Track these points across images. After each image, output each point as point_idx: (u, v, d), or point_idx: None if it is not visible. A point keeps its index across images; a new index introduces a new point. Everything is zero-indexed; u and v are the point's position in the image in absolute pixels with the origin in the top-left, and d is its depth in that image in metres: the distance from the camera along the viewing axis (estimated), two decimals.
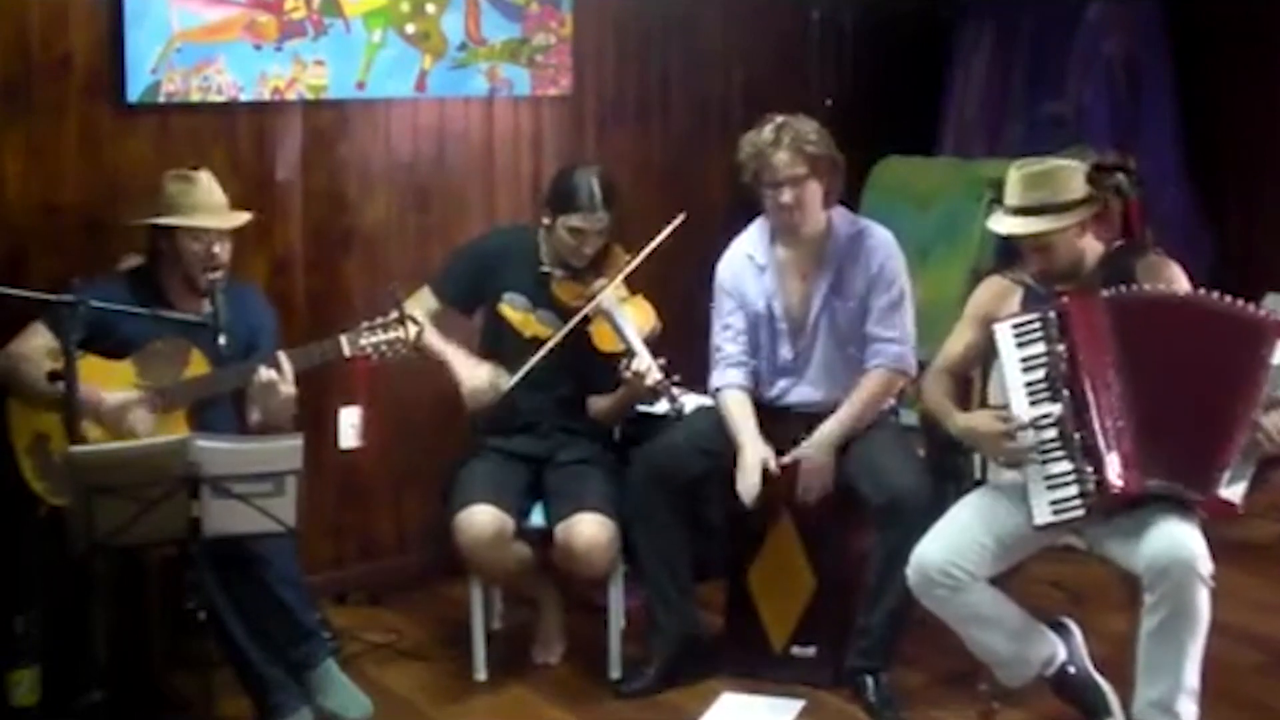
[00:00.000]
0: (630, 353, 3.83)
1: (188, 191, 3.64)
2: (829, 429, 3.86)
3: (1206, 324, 3.32)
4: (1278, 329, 3.25)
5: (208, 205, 3.65)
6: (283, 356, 3.59)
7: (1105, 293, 3.36)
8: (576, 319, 3.93)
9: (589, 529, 3.82)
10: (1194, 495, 3.24)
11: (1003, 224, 3.48)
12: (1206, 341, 3.28)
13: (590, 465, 4.00)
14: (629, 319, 3.91)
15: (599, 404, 4.08)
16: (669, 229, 3.97)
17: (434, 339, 3.96)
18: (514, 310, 4.06)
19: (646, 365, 3.79)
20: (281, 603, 3.60)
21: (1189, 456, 3.24)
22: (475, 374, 3.96)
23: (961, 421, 3.53)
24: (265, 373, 3.55)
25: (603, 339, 3.94)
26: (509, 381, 3.93)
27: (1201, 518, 3.29)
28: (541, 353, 3.93)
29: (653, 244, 3.97)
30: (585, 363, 3.99)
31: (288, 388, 3.57)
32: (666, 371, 3.79)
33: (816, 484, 3.84)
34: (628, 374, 3.81)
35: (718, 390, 3.98)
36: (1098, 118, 5.38)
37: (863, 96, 5.47)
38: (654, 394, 3.83)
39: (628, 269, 3.97)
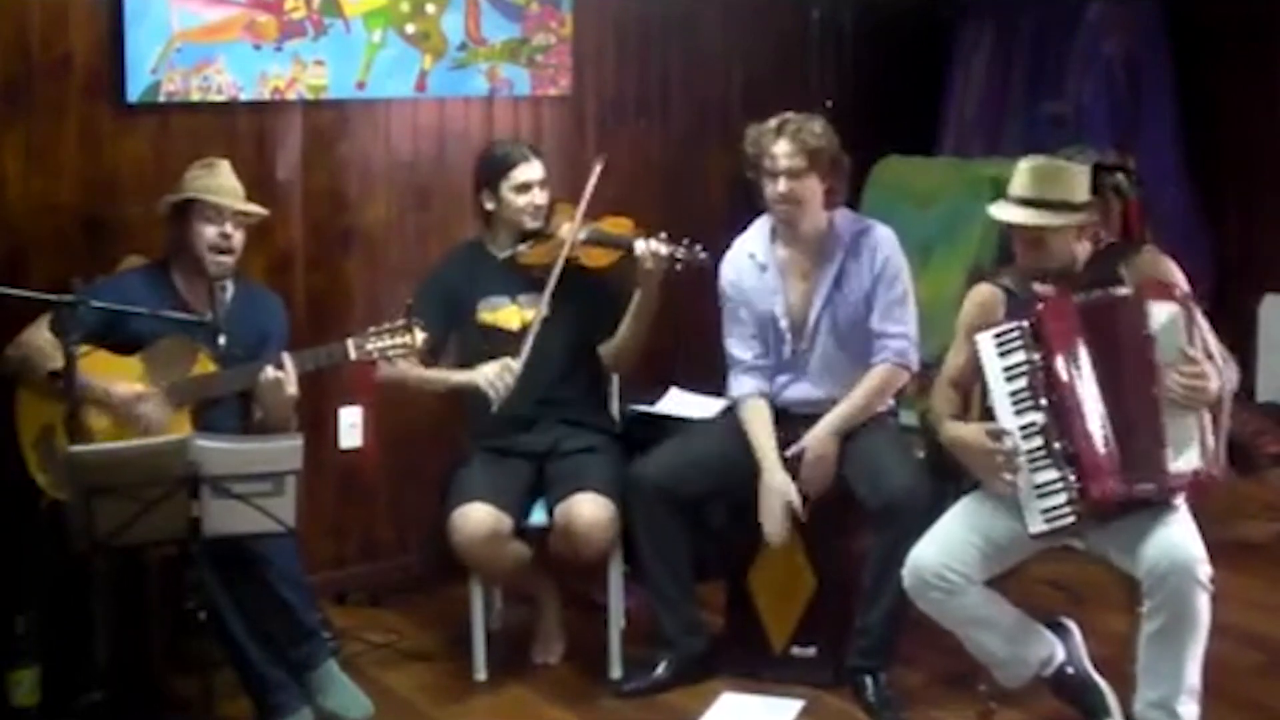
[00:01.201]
0: (630, 249, 3.85)
1: (207, 175, 3.70)
2: (831, 419, 3.87)
3: (1112, 316, 3.33)
4: (1144, 294, 3.29)
5: (226, 189, 3.70)
6: (287, 358, 3.59)
7: (1077, 297, 3.36)
8: (564, 253, 3.92)
9: (588, 508, 3.82)
10: (1160, 484, 3.24)
11: (1004, 211, 3.47)
12: (1120, 333, 3.31)
13: (594, 454, 3.99)
14: (609, 228, 3.96)
15: (614, 341, 4.05)
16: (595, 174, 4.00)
17: (423, 372, 3.97)
18: (494, 311, 4.05)
19: (650, 246, 3.83)
20: (283, 602, 3.61)
21: (1144, 448, 3.25)
22: (482, 371, 3.92)
23: (950, 431, 3.52)
24: (271, 372, 3.57)
25: (595, 258, 3.97)
26: (518, 363, 3.89)
27: (1183, 502, 3.29)
28: (548, 289, 3.90)
29: (590, 184, 3.98)
30: (585, 306, 3.99)
31: (290, 388, 3.58)
32: (672, 240, 3.83)
33: (819, 475, 3.84)
34: (640, 264, 3.84)
35: (738, 400, 3.97)
36: (1097, 117, 5.38)
37: (863, 96, 5.46)
38: (673, 261, 3.84)
39: (584, 201, 3.96)
